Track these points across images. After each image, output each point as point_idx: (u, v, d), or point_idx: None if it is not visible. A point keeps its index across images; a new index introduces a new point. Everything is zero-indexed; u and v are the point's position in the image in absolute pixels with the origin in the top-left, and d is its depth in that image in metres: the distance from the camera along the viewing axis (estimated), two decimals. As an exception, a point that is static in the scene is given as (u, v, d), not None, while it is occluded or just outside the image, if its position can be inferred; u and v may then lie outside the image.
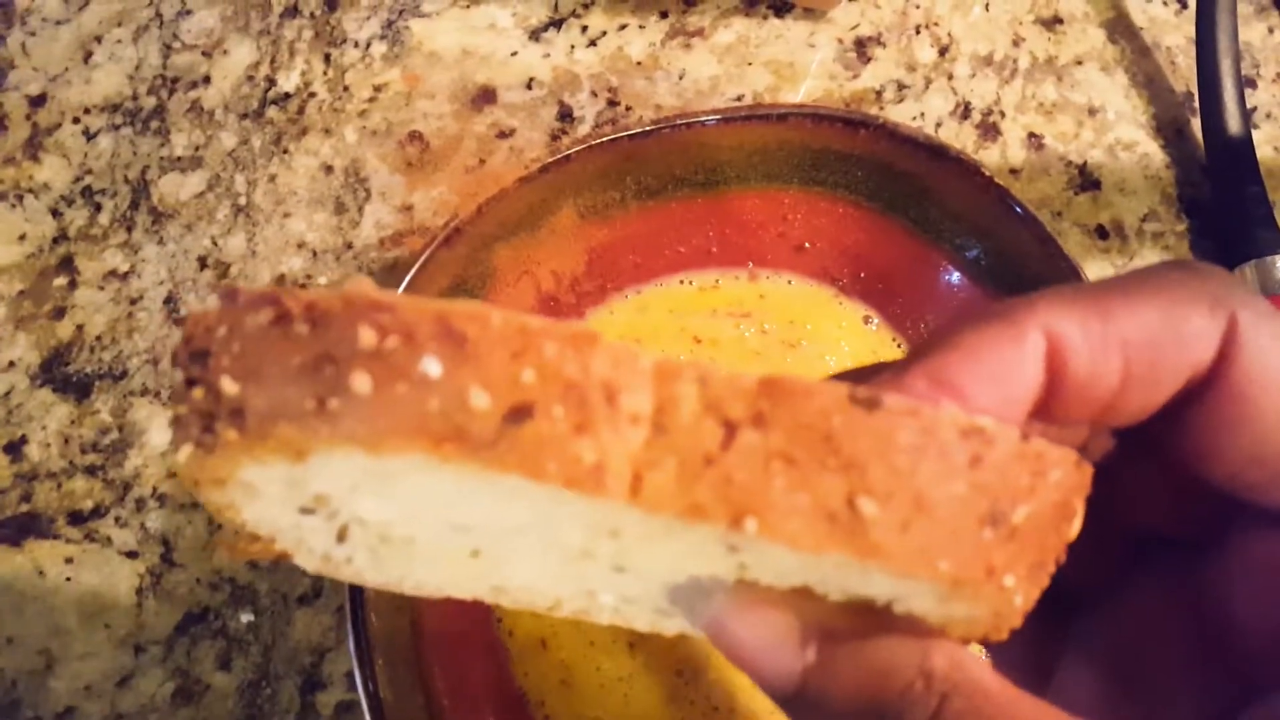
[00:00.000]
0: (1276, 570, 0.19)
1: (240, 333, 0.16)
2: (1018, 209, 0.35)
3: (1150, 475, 0.20)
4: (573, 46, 0.46)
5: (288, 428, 0.15)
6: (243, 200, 0.44)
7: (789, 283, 0.40)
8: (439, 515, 0.19)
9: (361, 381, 0.15)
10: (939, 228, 0.37)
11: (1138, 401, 0.18)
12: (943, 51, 0.46)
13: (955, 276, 0.37)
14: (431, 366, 0.15)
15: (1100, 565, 0.22)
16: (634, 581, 0.20)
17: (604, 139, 0.35)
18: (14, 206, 0.44)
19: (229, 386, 0.16)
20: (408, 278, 0.33)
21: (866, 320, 0.39)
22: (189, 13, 0.47)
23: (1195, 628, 0.20)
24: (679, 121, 0.36)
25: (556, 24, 0.46)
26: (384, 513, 0.19)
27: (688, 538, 0.17)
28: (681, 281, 0.40)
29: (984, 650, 0.27)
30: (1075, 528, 0.18)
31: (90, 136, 0.45)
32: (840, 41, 0.46)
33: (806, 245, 0.39)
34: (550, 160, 0.35)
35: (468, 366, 0.15)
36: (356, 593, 0.31)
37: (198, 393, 0.16)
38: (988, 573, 0.16)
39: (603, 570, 0.19)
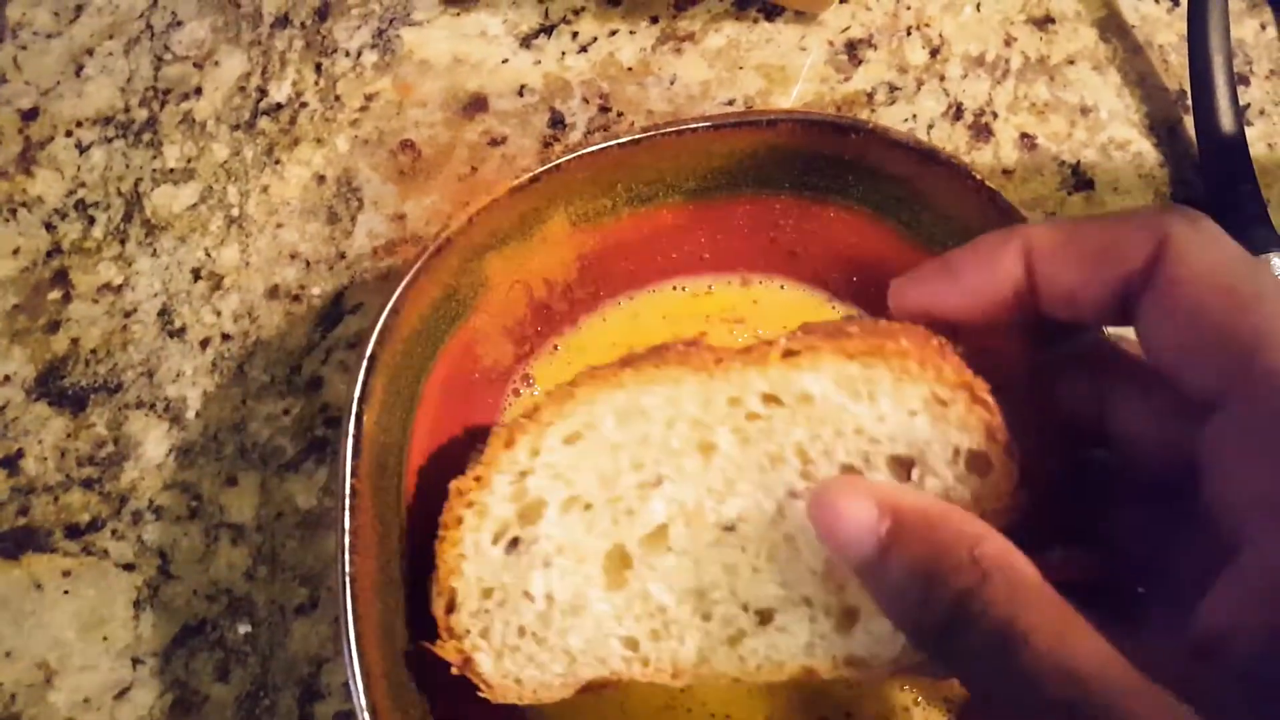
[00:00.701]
0: (1244, 453, 0.21)
1: None
2: (1009, 212, 0.35)
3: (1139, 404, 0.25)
4: (563, 53, 0.46)
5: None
6: (235, 211, 0.44)
7: (781, 288, 0.40)
8: (621, 461, 0.29)
9: None
10: (930, 231, 0.37)
11: (1092, 294, 0.24)
12: (934, 53, 0.46)
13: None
14: None
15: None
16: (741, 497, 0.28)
17: (594, 148, 0.35)
18: (8, 221, 0.44)
19: None
20: (399, 289, 0.33)
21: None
22: (180, 24, 0.47)
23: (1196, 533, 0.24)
24: (668, 129, 0.35)
25: (547, 30, 0.46)
26: (578, 478, 0.29)
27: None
28: (674, 288, 0.40)
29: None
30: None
31: (83, 149, 0.45)
32: (831, 44, 0.46)
33: (798, 251, 0.39)
34: (541, 169, 0.35)
35: None
36: (353, 603, 0.31)
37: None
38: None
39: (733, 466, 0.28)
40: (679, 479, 0.28)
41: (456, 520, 0.29)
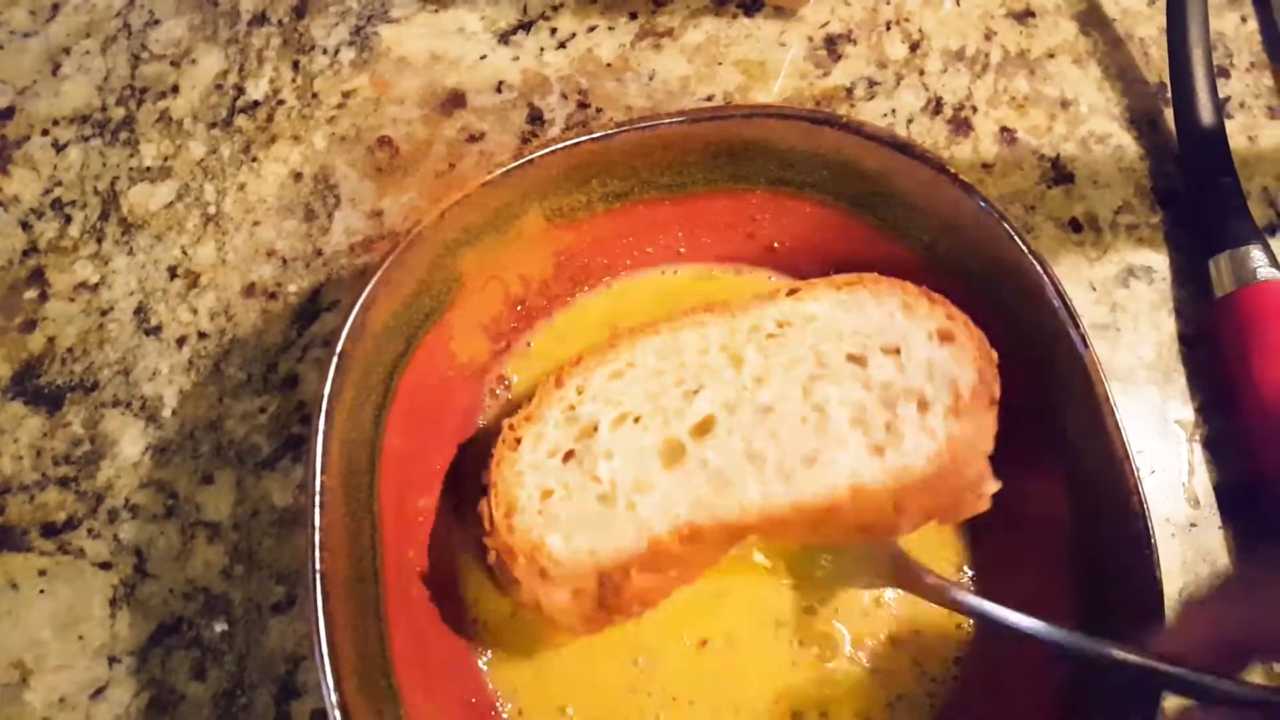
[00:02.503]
0: None
1: None
2: (983, 205, 0.34)
3: None
4: (542, 49, 0.46)
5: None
6: (212, 209, 0.44)
7: (769, 279, 0.40)
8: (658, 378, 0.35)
9: None
10: (905, 224, 0.36)
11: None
12: (914, 47, 0.46)
13: (924, 273, 0.37)
14: None
15: None
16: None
17: (567, 143, 0.35)
18: (-16, 219, 0.44)
19: None
20: (368, 286, 0.33)
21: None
22: (157, 23, 0.47)
23: None
24: (642, 124, 0.35)
25: (525, 26, 0.46)
26: (626, 399, 0.34)
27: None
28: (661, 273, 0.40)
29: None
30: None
31: (59, 148, 0.45)
32: (811, 39, 0.46)
33: (775, 245, 0.39)
34: (514, 164, 0.35)
35: None
36: (323, 601, 0.31)
37: None
38: None
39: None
40: (717, 384, 0.34)
41: (515, 442, 0.34)
